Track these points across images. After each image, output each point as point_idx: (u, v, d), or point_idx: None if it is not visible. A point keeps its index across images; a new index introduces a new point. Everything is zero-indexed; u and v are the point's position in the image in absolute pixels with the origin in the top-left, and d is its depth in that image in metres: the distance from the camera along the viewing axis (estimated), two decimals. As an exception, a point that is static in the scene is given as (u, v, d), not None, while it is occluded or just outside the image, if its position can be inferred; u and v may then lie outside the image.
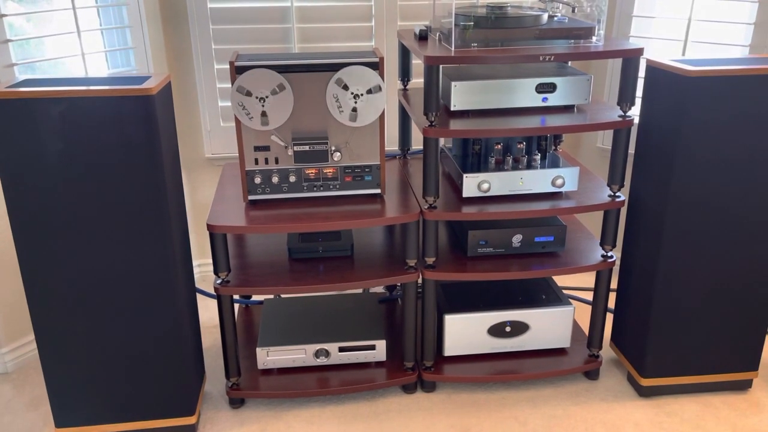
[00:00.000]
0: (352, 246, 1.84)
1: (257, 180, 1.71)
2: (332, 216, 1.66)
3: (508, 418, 1.80)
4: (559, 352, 1.95)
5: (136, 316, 1.58)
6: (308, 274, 1.74)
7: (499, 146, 1.78)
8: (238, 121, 1.65)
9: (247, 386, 1.82)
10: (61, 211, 1.46)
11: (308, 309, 2.04)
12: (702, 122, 1.56)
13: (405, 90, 2.06)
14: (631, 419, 1.78)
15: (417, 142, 2.20)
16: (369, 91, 1.63)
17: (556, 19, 1.77)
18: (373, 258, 1.82)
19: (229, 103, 2.32)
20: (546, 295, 1.95)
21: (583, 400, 1.86)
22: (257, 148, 1.69)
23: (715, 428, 1.75)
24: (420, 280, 1.77)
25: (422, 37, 1.81)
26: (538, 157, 1.78)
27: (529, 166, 1.76)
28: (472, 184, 1.72)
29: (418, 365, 1.90)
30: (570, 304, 1.90)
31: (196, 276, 2.53)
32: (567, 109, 1.75)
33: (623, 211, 1.82)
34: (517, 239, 1.80)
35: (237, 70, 1.59)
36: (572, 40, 1.66)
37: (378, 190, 1.77)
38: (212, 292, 2.10)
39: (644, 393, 1.87)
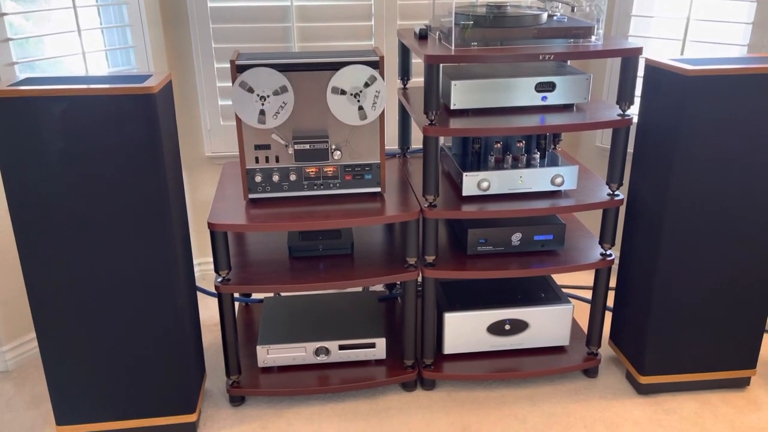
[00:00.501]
0: (352, 244, 1.84)
1: (258, 178, 1.71)
2: (332, 214, 1.66)
3: (507, 415, 1.80)
4: (559, 350, 1.96)
5: (137, 314, 1.58)
6: (308, 273, 1.74)
7: (499, 145, 1.79)
8: (238, 120, 1.66)
9: (248, 384, 1.83)
10: (62, 210, 1.46)
11: (308, 307, 2.05)
12: (701, 121, 1.57)
13: (405, 89, 2.06)
14: (630, 417, 1.79)
15: (417, 141, 2.21)
16: (366, 85, 1.63)
17: (555, 18, 1.78)
18: (373, 256, 1.82)
19: (230, 102, 2.33)
20: (545, 294, 1.95)
21: (582, 397, 1.87)
22: (258, 147, 1.69)
23: (713, 426, 1.76)
24: (420, 279, 1.77)
25: (422, 36, 1.82)
26: (538, 155, 1.78)
27: (529, 164, 1.77)
28: (471, 183, 1.72)
29: (418, 363, 1.91)
30: (569, 302, 1.90)
31: (196, 274, 2.54)
32: (566, 108, 1.76)
33: (622, 209, 1.83)
34: (516, 238, 1.81)
35: (238, 69, 1.59)
36: (571, 40, 1.66)
37: (378, 189, 1.77)
38: (212, 290, 2.11)
39: (643, 391, 1.88)
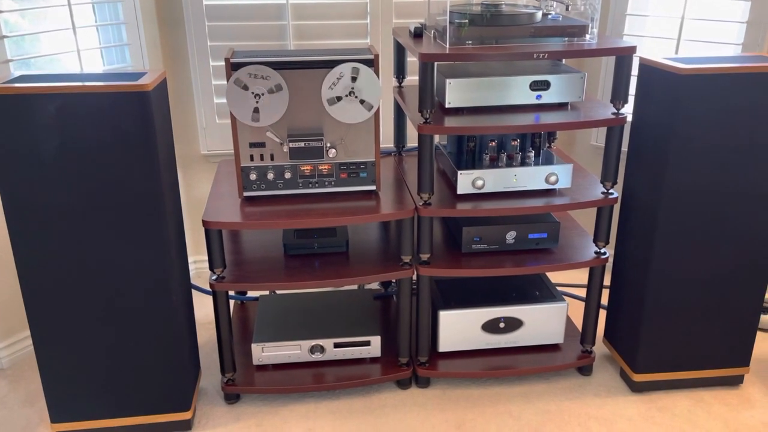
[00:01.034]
0: (347, 242, 1.85)
1: (252, 176, 1.71)
2: (327, 212, 1.67)
3: (502, 413, 1.81)
4: (553, 348, 1.97)
5: (132, 311, 1.58)
6: (304, 271, 1.74)
7: (494, 143, 1.80)
8: (233, 118, 1.66)
9: (243, 382, 1.83)
10: (56, 207, 1.46)
11: (303, 305, 2.05)
12: (695, 120, 1.58)
13: (400, 87, 2.07)
14: (624, 414, 1.80)
15: (412, 139, 2.21)
16: (353, 79, 1.63)
17: (550, 17, 1.78)
18: (368, 254, 1.83)
19: (224, 100, 2.33)
20: (539, 292, 1.96)
21: (576, 395, 1.88)
22: (252, 145, 1.69)
23: (706, 423, 1.77)
24: (415, 277, 1.78)
25: (417, 34, 1.82)
26: (532, 154, 1.79)
27: (523, 163, 1.77)
28: (466, 181, 1.73)
29: (413, 361, 1.91)
30: (563, 300, 1.91)
31: (191, 272, 2.54)
32: (561, 106, 1.77)
33: (616, 208, 1.84)
34: (511, 236, 1.81)
35: (233, 67, 1.59)
36: (566, 38, 1.67)
37: (373, 187, 1.77)
38: (207, 288, 2.11)
39: (637, 388, 1.88)
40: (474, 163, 1.78)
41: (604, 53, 1.63)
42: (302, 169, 1.73)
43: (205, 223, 1.63)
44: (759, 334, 2.16)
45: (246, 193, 1.73)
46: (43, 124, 1.39)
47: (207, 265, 2.51)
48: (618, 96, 1.66)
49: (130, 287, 1.56)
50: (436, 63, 1.60)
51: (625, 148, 1.77)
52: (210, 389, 1.91)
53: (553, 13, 1.82)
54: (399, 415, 1.80)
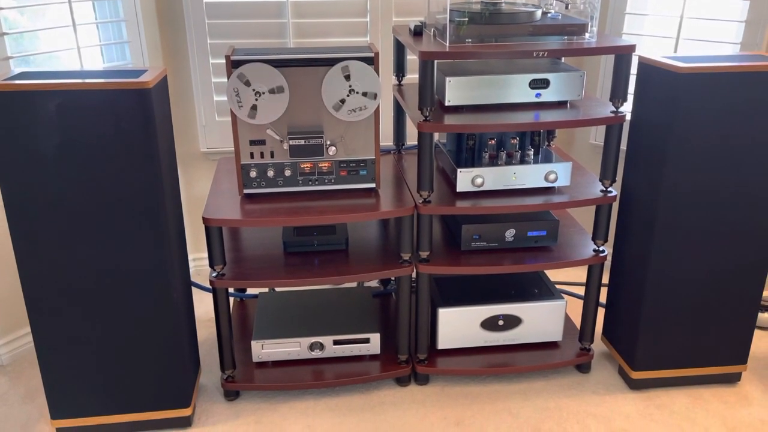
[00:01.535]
0: (347, 240, 1.85)
1: (253, 174, 1.72)
2: (327, 210, 1.67)
3: (500, 410, 1.82)
4: (551, 345, 1.97)
5: (132, 308, 1.58)
6: (303, 268, 1.75)
7: (493, 141, 1.80)
8: (233, 115, 1.66)
9: (242, 379, 1.84)
10: (57, 204, 1.46)
11: (303, 302, 2.05)
12: (693, 119, 1.58)
13: (400, 85, 2.07)
14: (622, 411, 1.81)
15: (411, 137, 2.22)
16: (365, 94, 1.64)
17: (549, 15, 1.79)
18: (367, 252, 1.83)
19: (224, 98, 2.33)
20: (538, 289, 1.97)
21: (575, 392, 1.89)
22: (253, 142, 1.70)
23: (704, 420, 1.77)
24: (414, 274, 1.78)
25: (417, 32, 1.82)
26: (532, 152, 1.79)
27: (523, 161, 1.78)
28: (465, 179, 1.73)
29: (412, 358, 1.92)
30: (562, 298, 1.92)
31: (190, 270, 2.54)
32: (560, 104, 1.77)
33: (615, 206, 1.84)
34: (510, 233, 1.82)
35: (233, 65, 1.60)
36: (565, 37, 1.67)
37: (373, 185, 1.78)
38: (207, 285, 2.11)
39: (635, 386, 1.89)
40: (473, 161, 1.79)
41: (603, 52, 1.64)
42: (302, 166, 1.73)
43: (205, 220, 1.64)
44: (756, 332, 2.16)
45: (246, 191, 1.74)
46: (44, 121, 1.40)
47: (206, 262, 2.52)
48: (617, 94, 1.67)
49: (130, 284, 1.56)
50: (436, 61, 1.60)
51: (623, 146, 1.77)
52: (210, 386, 1.91)
53: (552, 11, 1.82)
54: (398, 412, 1.81)
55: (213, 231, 1.65)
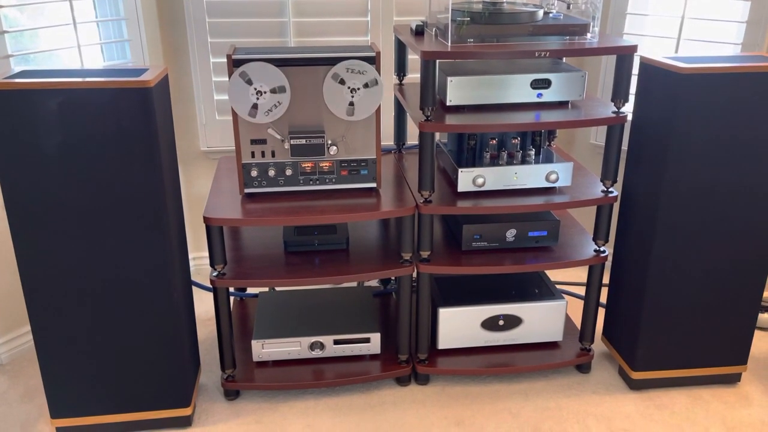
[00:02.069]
0: (347, 239, 1.85)
1: (254, 173, 1.72)
2: (328, 209, 1.67)
3: (501, 410, 1.82)
4: (552, 345, 1.97)
5: (133, 307, 1.58)
6: (304, 267, 1.75)
7: (494, 141, 1.80)
8: (234, 114, 1.66)
9: (243, 378, 1.84)
10: (57, 203, 1.46)
11: (303, 302, 2.05)
12: (694, 119, 1.58)
13: (401, 85, 2.07)
14: (622, 412, 1.81)
15: (412, 137, 2.21)
16: (366, 85, 1.64)
17: (551, 15, 1.79)
18: (368, 251, 1.83)
19: (225, 97, 2.33)
20: (539, 290, 1.97)
21: (575, 392, 1.89)
22: (254, 141, 1.69)
23: (704, 421, 1.77)
24: (415, 274, 1.78)
25: (418, 32, 1.82)
26: (533, 152, 1.79)
27: (524, 161, 1.78)
28: (467, 179, 1.73)
29: (412, 358, 1.92)
30: (562, 298, 1.92)
31: (191, 269, 2.53)
32: (561, 105, 1.77)
33: (616, 206, 1.84)
34: (511, 234, 1.82)
35: (235, 63, 1.60)
36: (567, 37, 1.67)
37: (374, 184, 1.78)
38: (207, 285, 2.11)
39: (635, 386, 1.89)
40: (474, 161, 1.78)
41: (605, 52, 1.64)
42: (303, 166, 1.73)
43: (206, 219, 1.63)
44: (757, 333, 2.17)
45: (247, 190, 1.73)
46: (45, 120, 1.39)
47: (206, 261, 2.52)
48: (618, 95, 1.67)
49: (130, 283, 1.56)
50: (437, 61, 1.60)
51: (624, 146, 1.77)
52: (210, 385, 1.91)
53: (554, 11, 1.82)
54: (398, 412, 1.81)
55: (214, 230, 1.65)
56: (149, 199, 1.49)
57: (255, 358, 1.86)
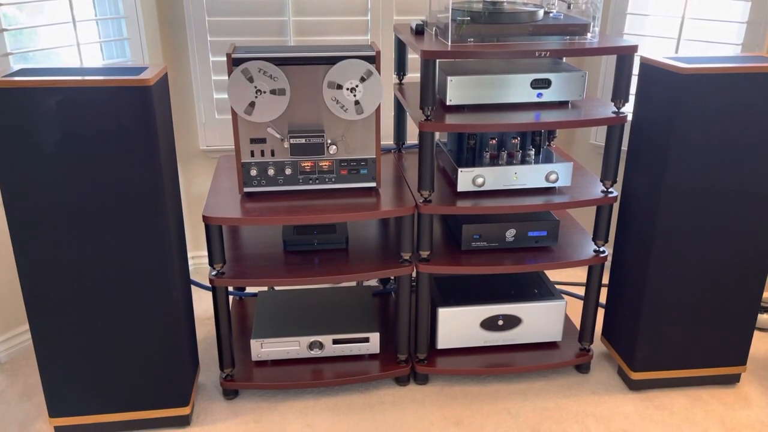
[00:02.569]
0: (347, 239, 1.85)
1: (253, 172, 1.71)
2: (327, 209, 1.67)
3: (500, 410, 1.82)
4: (551, 345, 1.97)
5: (132, 306, 1.58)
6: (303, 267, 1.74)
7: (494, 141, 1.80)
8: (234, 113, 1.65)
9: (241, 377, 1.83)
10: (56, 202, 1.46)
11: (302, 301, 2.05)
12: (695, 119, 1.58)
13: (401, 84, 2.07)
14: (622, 412, 1.81)
15: (412, 137, 2.21)
16: (362, 79, 1.63)
17: (551, 15, 1.78)
18: (367, 251, 1.83)
19: (225, 96, 2.33)
20: (538, 290, 1.96)
21: (574, 393, 1.89)
22: (253, 141, 1.69)
23: (703, 421, 1.77)
24: (414, 274, 1.78)
25: (418, 31, 1.82)
26: (533, 152, 1.79)
27: (524, 161, 1.78)
28: (466, 179, 1.73)
29: (412, 358, 1.92)
30: (562, 298, 1.92)
31: (190, 268, 2.53)
32: (561, 105, 1.77)
33: (616, 206, 1.84)
34: (510, 234, 1.82)
35: (234, 62, 1.59)
36: (567, 37, 1.67)
37: (373, 184, 1.77)
38: (206, 284, 2.11)
39: (634, 386, 1.89)
40: (474, 161, 1.78)
41: (605, 52, 1.64)
42: (303, 165, 1.73)
43: (205, 218, 1.63)
44: (756, 333, 2.17)
45: (246, 189, 1.73)
46: (44, 119, 1.39)
47: (205, 261, 2.52)
48: (619, 95, 1.67)
49: (129, 282, 1.55)
50: (437, 60, 1.60)
51: (624, 146, 1.77)
52: (209, 385, 1.91)
53: (554, 11, 1.82)
54: (397, 411, 1.81)
55: (213, 229, 1.65)
56: (148, 197, 1.49)
57: (254, 358, 1.86)
